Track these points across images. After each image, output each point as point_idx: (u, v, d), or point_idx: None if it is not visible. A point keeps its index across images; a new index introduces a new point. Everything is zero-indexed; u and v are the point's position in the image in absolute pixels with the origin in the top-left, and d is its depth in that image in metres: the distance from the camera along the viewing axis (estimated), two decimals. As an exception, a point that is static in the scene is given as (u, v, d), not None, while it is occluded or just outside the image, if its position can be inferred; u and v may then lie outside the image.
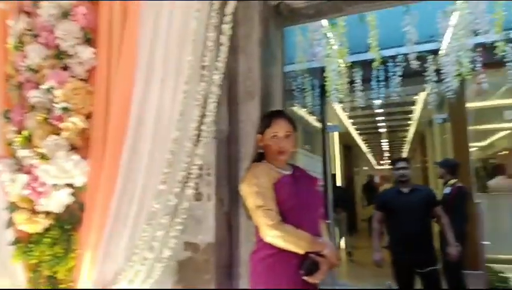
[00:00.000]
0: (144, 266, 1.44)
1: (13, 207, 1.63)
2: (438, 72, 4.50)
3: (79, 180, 1.56)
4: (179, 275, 1.99)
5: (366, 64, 4.77)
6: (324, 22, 3.88)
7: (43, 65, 1.61)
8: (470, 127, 5.29)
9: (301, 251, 1.69)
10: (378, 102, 5.69)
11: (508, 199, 6.39)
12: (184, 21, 1.44)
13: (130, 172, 1.46)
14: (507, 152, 9.24)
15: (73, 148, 1.56)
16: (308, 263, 1.69)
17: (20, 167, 1.65)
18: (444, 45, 4.30)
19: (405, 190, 3.29)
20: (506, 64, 4.18)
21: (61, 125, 1.57)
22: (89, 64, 1.60)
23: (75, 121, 1.52)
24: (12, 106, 1.74)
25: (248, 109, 2.29)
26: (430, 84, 4.66)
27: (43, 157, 1.56)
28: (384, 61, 4.75)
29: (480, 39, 3.93)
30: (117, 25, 1.57)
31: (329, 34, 4.03)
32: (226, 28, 1.42)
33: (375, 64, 4.53)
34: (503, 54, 4.04)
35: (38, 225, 1.59)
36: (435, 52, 4.54)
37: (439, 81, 4.50)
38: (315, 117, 6.54)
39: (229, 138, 2.23)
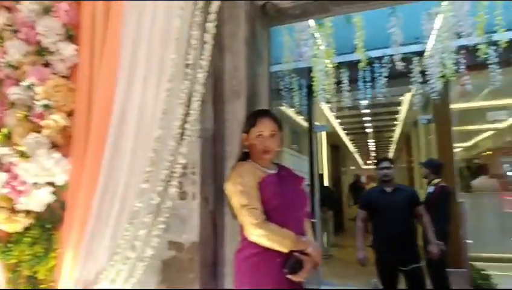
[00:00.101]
0: (126, 266, 1.42)
1: (-8, 206, 1.60)
2: (422, 73, 4.57)
3: (60, 179, 1.54)
4: (162, 274, 1.98)
5: (353, 65, 4.80)
6: (311, 22, 3.90)
7: (23, 61, 1.58)
8: (454, 128, 5.38)
9: (285, 250, 1.70)
10: (364, 102, 5.75)
11: (490, 198, 6.52)
12: (167, 19, 1.43)
13: (112, 170, 1.45)
14: (490, 153, 9.45)
15: (54, 146, 1.54)
16: (292, 261, 1.70)
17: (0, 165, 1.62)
18: (429, 47, 4.36)
19: (388, 189, 3.34)
20: (489, 66, 4.27)
21: (42, 122, 1.54)
22: (70, 62, 1.58)
23: (56, 119, 1.50)
24: (-8, 103, 1.71)
25: (234, 108, 2.29)
26: (415, 85, 4.72)
27: (23, 155, 1.54)
28: (371, 62, 4.79)
29: (464, 41, 4.00)
30: (100, 22, 1.55)
31: (317, 35, 4.05)
32: (210, 26, 1.42)
33: (361, 65, 4.57)
34: (486, 56, 4.12)
35: (18, 224, 1.57)
36: (420, 53, 4.60)
37: (424, 82, 4.57)
38: (303, 117, 6.57)
39: (214, 137, 2.23)
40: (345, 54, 4.73)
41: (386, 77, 4.80)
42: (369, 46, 4.53)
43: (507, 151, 8.76)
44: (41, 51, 1.56)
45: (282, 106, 6.13)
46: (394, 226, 3.21)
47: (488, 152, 9.55)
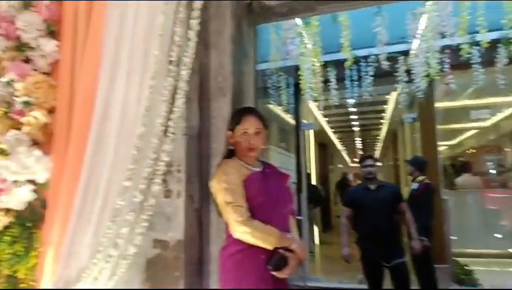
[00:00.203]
0: (108, 264, 1.41)
1: (-29, 204, 1.57)
2: (408, 72, 4.62)
3: (41, 177, 1.52)
4: (147, 272, 1.97)
5: (340, 64, 4.83)
6: (298, 21, 3.91)
7: (2, 57, 1.54)
8: (439, 126, 5.46)
9: (270, 247, 1.71)
10: (351, 101, 5.79)
11: (474, 195, 6.65)
12: (151, 16, 1.42)
13: (94, 168, 1.43)
14: (474, 151, 9.63)
15: (35, 143, 1.52)
16: (276, 258, 1.71)
17: (-21, 163, 1.58)
18: (414, 46, 4.42)
19: (372, 186, 3.39)
20: (472, 66, 4.35)
21: (22, 119, 1.52)
22: (52, 58, 1.56)
23: (37, 116, 1.48)
24: (-30, 99, 1.67)
25: (219, 105, 2.28)
26: (401, 84, 4.78)
27: (3, 152, 1.51)
28: (357, 61, 4.83)
29: (448, 41, 4.06)
30: (82, 18, 1.53)
31: (303, 33, 4.07)
32: (194, 23, 1.41)
33: (347, 63, 4.60)
34: (469, 56, 4.19)
35: (-2, 222, 1.54)
36: (405, 53, 4.66)
37: (409, 81, 4.63)
38: (290, 115, 6.60)
39: (200, 135, 2.22)
40: (331, 52, 4.75)
41: (372, 76, 4.84)
42: (356, 45, 4.56)
43: (490, 149, 8.93)
44: (21, 47, 1.54)
45: (270, 104, 6.14)
46: (378, 222, 3.25)
47: (471, 150, 9.72)
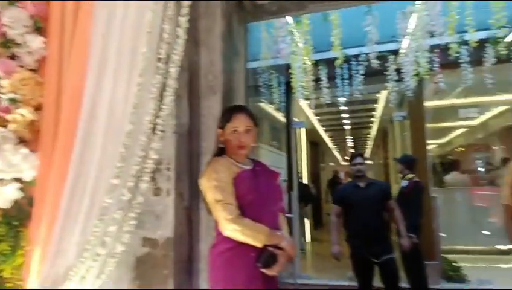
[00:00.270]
0: (96, 262, 1.40)
1: (-44, 203, 1.54)
2: (398, 71, 4.66)
3: (28, 175, 1.50)
4: (136, 271, 1.96)
5: (331, 63, 4.86)
6: (289, 19, 3.91)
7: (-13, 53, 1.52)
8: (428, 125, 5.52)
9: (259, 244, 1.72)
10: (342, 99, 5.82)
11: (462, 193, 6.74)
12: (139, 13, 1.41)
13: (81, 166, 1.42)
14: (463, 149, 9.76)
15: (22, 141, 1.50)
16: (265, 255, 1.72)
17: (-36, 161, 1.56)
18: (404, 46, 4.46)
19: (362, 184, 3.42)
20: (461, 65, 4.40)
21: (9, 117, 1.50)
22: (39, 54, 1.54)
23: (24, 113, 1.46)
24: (-45, 96, 1.64)
25: (210, 103, 2.28)
26: (391, 83, 4.82)
27: (-11, 150, 1.49)
28: (348, 59, 4.86)
29: (437, 41, 4.10)
30: (69, 15, 1.52)
31: (294, 32, 4.07)
32: (183, 20, 1.41)
33: (338, 62, 4.62)
34: (458, 55, 4.24)
35: (-16, 221, 1.52)
36: (395, 52, 4.70)
37: (399, 80, 4.66)
38: (282, 113, 6.61)
39: (190, 133, 2.22)
40: (323, 51, 4.77)
41: (363, 74, 4.87)
42: (347, 44, 4.59)
43: (478, 147, 9.06)
44: (7, 43, 1.51)
45: (262, 102, 6.14)
46: (367, 220, 3.28)
47: (460, 149, 9.85)
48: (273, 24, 3.91)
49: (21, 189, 1.53)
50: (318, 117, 9.13)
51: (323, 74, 5.06)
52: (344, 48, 4.52)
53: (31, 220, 1.51)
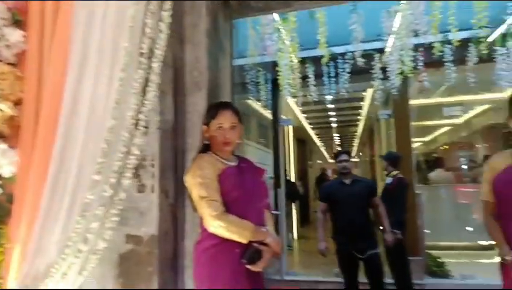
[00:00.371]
0: (78, 259, 1.38)
1: None
2: (383, 70, 4.71)
3: (7, 171, 1.47)
4: (120, 268, 1.95)
5: (318, 60, 4.88)
6: (276, 17, 3.92)
7: (-35, 47, 1.49)
8: (413, 123, 5.60)
9: (244, 241, 1.72)
10: (329, 97, 5.85)
11: (446, 190, 6.86)
12: (121, 7, 1.39)
13: (62, 162, 1.40)
14: (447, 147, 9.92)
15: (1, 136, 1.47)
16: (250, 251, 1.73)
17: None
18: (389, 44, 4.50)
19: (347, 181, 3.45)
20: (445, 64, 4.47)
21: (-13, 112, 1.46)
22: (18, 48, 1.51)
23: (3, 108, 1.43)
24: None
25: (195, 100, 2.27)
26: (377, 81, 4.87)
27: (-33, 146, 1.45)
28: (334, 57, 4.89)
29: (421, 40, 4.16)
30: (49, 8, 1.49)
31: (281, 29, 4.08)
32: (165, 15, 1.39)
33: (324, 60, 4.65)
34: (441, 54, 4.30)
35: (-39, 218, 1.48)
36: (381, 50, 4.74)
37: (385, 78, 4.71)
38: (270, 111, 6.62)
39: (175, 129, 2.21)
40: (309, 49, 4.79)
41: (349, 72, 4.91)
42: (333, 42, 4.62)
43: (462, 145, 9.22)
44: (-17, 36, 1.48)
45: (249, 99, 6.14)
46: (353, 216, 3.32)
47: (444, 146, 10.02)
48: (259, 21, 3.91)
49: (0, 185, 1.50)
50: (305, 115, 9.17)
51: (310, 71, 5.08)
52: (330, 46, 4.55)
53: (10, 217, 1.48)
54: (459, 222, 6.38)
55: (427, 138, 10.31)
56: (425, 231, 5.26)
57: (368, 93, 6.97)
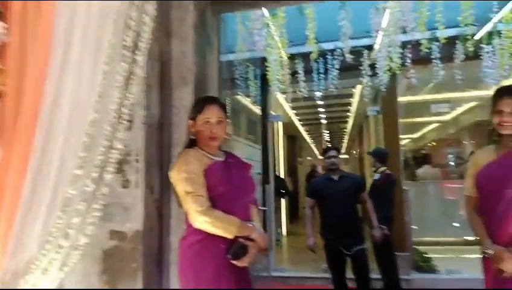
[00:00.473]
0: (59, 254, 1.36)
1: None
2: (372, 66, 4.72)
3: (-14, 165, 1.44)
4: (104, 264, 1.93)
5: (307, 56, 4.88)
6: (265, 12, 3.90)
7: None
8: (401, 120, 5.65)
9: (230, 236, 1.72)
10: (319, 94, 5.87)
11: (433, 186, 6.94)
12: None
13: (43, 156, 1.37)
14: (435, 144, 10.04)
15: (-20, 130, 1.43)
16: (235, 247, 1.73)
17: None
18: (378, 41, 4.52)
19: (335, 177, 3.47)
20: (433, 61, 4.51)
21: (-34, 105, 1.43)
22: (-1, 40, 1.47)
23: (-18, 101, 1.39)
24: None
25: (182, 94, 2.26)
26: (365, 78, 4.88)
27: None
28: (323, 54, 4.89)
29: (409, 37, 4.18)
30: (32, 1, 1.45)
31: (271, 24, 4.06)
32: (150, 7, 1.37)
33: (313, 56, 4.65)
34: (429, 51, 4.34)
35: None
36: (370, 47, 4.76)
37: (373, 75, 4.73)
38: (259, 107, 6.61)
39: (161, 124, 2.19)
40: (299, 45, 4.79)
41: (338, 69, 4.92)
42: (323, 39, 4.62)
43: (450, 142, 9.34)
44: (-38, 27, 1.44)
45: (239, 95, 6.12)
46: (340, 212, 3.33)
47: (432, 143, 10.14)
48: (248, 16, 3.89)
49: (-21, 180, 1.47)
50: (295, 111, 9.18)
51: (299, 67, 5.08)
52: (320, 42, 4.55)
53: (-10, 213, 1.45)
54: (446, 217, 6.46)
55: (416, 135, 10.41)
56: (413, 226, 5.32)
57: (357, 90, 7.00)
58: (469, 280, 4.28)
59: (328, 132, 13.20)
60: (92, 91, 1.34)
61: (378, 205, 3.63)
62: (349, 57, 4.34)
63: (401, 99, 5.58)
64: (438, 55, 4.42)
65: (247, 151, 6.53)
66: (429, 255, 5.22)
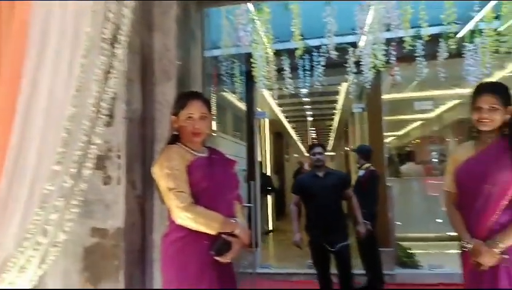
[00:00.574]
0: (37, 251, 1.33)
1: None
2: (357, 63, 4.75)
3: (-40, 161, 1.39)
4: (85, 261, 1.90)
5: (293, 53, 4.87)
6: (250, 7, 3.87)
7: None
8: (386, 117, 5.70)
9: (213, 232, 1.71)
10: (305, 91, 5.87)
11: (417, 182, 7.05)
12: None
13: (20, 152, 1.33)
14: (419, 141, 10.19)
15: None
16: (218, 243, 1.72)
17: None
18: (363, 38, 4.55)
19: (320, 173, 3.48)
20: (416, 59, 4.56)
21: None
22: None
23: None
24: None
25: (164, 89, 2.23)
26: (351, 75, 4.91)
27: None
28: (309, 50, 4.89)
29: (394, 34, 4.22)
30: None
31: (256, 20, 4.04)
32: (129, -1, 1.35)
33: (298, 52, 4.64)
34: (413, 48, 4.39)
35: None
36: (355, 44, 4.78)
37: (358, 72, 4.76)
38: (245, 103, 6.59)
39: (143, 119, 2.15)
40: (285, 41, 4.78)
41: (324, 66, 4.92)
42: (309, 35, 4.62)
43: (434, 139, 9.49)
44: None
45: (225, 91, 6.09)
46: (325, 209, 3.35)
47: (417, 140, 10.29)
48: (233, 11, 3.86)
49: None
50: (281, 108, 9.19)
51: (285, 64, 5.07)
52: (306, 39, 4.55)
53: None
54: (429, 213, 6.56)
55: (401, 132, 10.55)
56: (396, 222, 5.39)
57: (343, 87, 7.04)
58: (451, 275, 4.36)
59: (314, 129, 13.25)
60: (70, 85, 1.31)
61: (362, 201, 3.66)
62: (334, 54, 4.34)
63: (385, 96, 5.63)
64: (422, 53, 4.47)
65: (233, 148, 6.51)
66: (412, 251, 5.29)
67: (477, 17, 4.20)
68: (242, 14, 3.77)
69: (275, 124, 10.06)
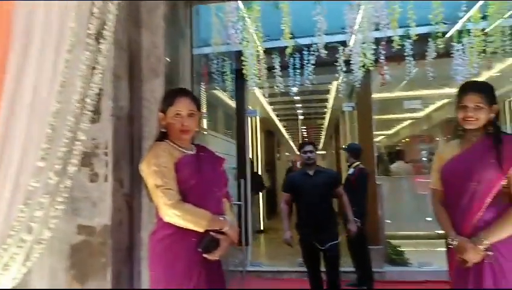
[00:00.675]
0: (21, 249, 1.32)
1: None
2: (347, 62, 4.77)
3: None
4: (71, 259, 1.88)
5: (283, 51, 4.87)
6: (240, 5, 3.87)
7: None
8: (376, 117, 5.73)
9: (201, 229, 1.71)
10: (295, 89, 5.88)
11: (406, 181, 7.10)
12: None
13: (4, 148, 1.32)
14: (408, 140, 10.29)
15: None
16: (206, 240, 1.72)
17: None
18: (353, 37, 4.57)
19: (310, 172, 3.48)
20: (406, 58, 4.59)
21: None
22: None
23: None
24: None
25: (153, 87, 2.22)
26: (341, 74, 4.92)
27: None
28: (300, 49, 4.90)
29: (383, 33, 4.24)
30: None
31: (246, 18, 4.03)
32: (114, -6, 1.34)
33: (288, 50, 4.65)
34: (402, 48, 4.42)
35: None
36: (345, 43, 4.80)
37: (348, 71, 4.78)
38: (236, 101, 6.57)
39: (131, 116, 2.14)
40: (275, 39, 4.77)
41: (314, 64, 4.93)
42: (299, 34, 4.63)
43: (423, 138, 9.60)
44: None
45: (216, 89, 6.07)
46: (316, 207, 3.35)
47: (406, 139, 10.39)
48: (223, 8, 3.85)
49: None
50: (272, 106, 9.19)
51: (276, 62, 5.06)
52: (296, 37, 4.55)
53: None
54: (419, 212, 6.60)
55: (391, 131, 10.64)
56: (386, 220, 5.43)
57: (334, 86, 7.07)
58: (440, 272, 4.40)
59: (305, 127, 13.29)
60: (55, 81, 1.30)
61: (352, 199, 3.68)
62: (324, 53, 4.35)
63: (375, 95, 5.66)
64: (411, 53, 4.50)
65: (224, 146, 6.49)
66: (402, 249, 5.34)
67: (465, 17, 4.25)
68: (232, 12, 3.76)
69: (266, 122, 10.06)
